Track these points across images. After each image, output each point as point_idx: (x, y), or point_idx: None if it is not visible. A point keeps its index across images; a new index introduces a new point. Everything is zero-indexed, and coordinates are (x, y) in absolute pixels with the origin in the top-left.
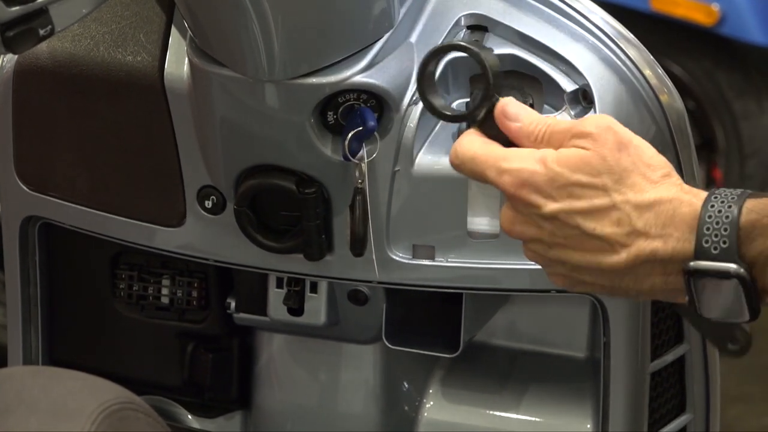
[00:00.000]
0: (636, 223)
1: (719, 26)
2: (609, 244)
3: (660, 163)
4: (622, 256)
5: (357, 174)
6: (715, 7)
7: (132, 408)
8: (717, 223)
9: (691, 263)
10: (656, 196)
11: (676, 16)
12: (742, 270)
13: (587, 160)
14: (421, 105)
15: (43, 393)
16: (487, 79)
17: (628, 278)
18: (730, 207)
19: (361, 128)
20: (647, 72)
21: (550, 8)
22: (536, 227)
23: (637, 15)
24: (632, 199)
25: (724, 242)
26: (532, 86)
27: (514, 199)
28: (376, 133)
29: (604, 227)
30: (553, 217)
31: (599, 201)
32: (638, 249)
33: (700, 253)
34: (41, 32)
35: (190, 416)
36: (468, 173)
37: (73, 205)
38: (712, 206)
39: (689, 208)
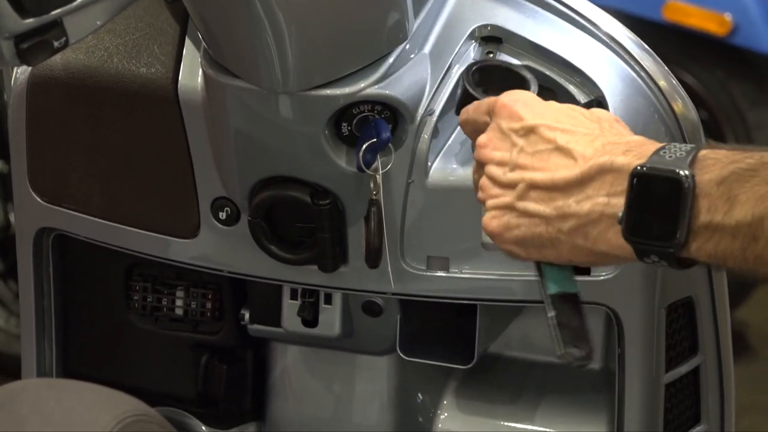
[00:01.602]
0: (606, 146)
1: (732, 36)
2: (573, 159)
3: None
4: (579, 167)
5: (372, 185)
6: (728, 17)
7: (147, 420)
8: (676, 147)
9: (643, 165)
10: (634, 139)
11: (688, 25)
12: (689, 175)
13: (585, 113)
14: (435, 116)
15: (58, 405)
16: None
17: (573, 199)
18: (692, 145)
19: (375, 140)
20: (662, 83)
21: (564, 19)
22: (509, 145)
23: (650, 25)
24: (611, 139)
25: (680, 154)
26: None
27: (503, 112)
28: (390, 144)
29: (577, 144)
30: (532, 130)
31: (582, 129)
32: (598, 162)
33: (653, 160)
34: (56, 44)
35: (204, 428)
36: (472, 116)
37: (87, 217)
38: (677, 143)
39: (657, 145)
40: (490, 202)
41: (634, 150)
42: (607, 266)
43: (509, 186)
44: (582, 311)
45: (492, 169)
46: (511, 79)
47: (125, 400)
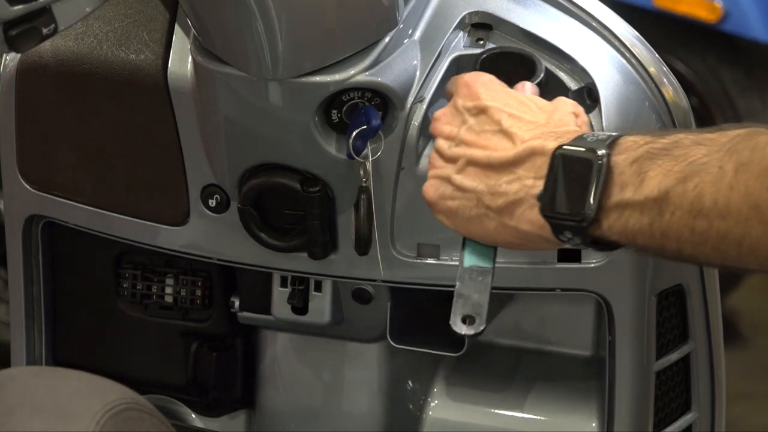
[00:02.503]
0: (544, 133)
1: (722, 23)
2: (512, 142)
3: None
4: (515, 150)
5: (362, 173)
6: (719, 4)
7: (136, 408)
8: (600, 133)
9: (563, 145)
10: (572, 129)
11: (679, 12)
12: (603, 155)
13: (540, 103)
14: (425, 103)
15: (46, 394)
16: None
17: (505, 179)
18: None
19: (365, 127)
20: (652, 70)
21: (554, 6)
22: (460, 121)
23: (640, 12)
24: (552, 128)
25: (601, 138)
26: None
27: (462, 90)
28: (380, 131)
29: (519, 129)
30: (483, 110)
31: (529, 117)
32: (531, 145)
33: (575, 142)
34: (44, 31)
35: (194, 415)
36: (448, 89)
37: (77, 204)
38: (604, 131)
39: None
40: (431, 172)
41: (565, 136)
42: (549, 250)
43: (451, 160)
44: (488, 290)
45: (440, 142)
46: (520, 64)
47: (114, 387)
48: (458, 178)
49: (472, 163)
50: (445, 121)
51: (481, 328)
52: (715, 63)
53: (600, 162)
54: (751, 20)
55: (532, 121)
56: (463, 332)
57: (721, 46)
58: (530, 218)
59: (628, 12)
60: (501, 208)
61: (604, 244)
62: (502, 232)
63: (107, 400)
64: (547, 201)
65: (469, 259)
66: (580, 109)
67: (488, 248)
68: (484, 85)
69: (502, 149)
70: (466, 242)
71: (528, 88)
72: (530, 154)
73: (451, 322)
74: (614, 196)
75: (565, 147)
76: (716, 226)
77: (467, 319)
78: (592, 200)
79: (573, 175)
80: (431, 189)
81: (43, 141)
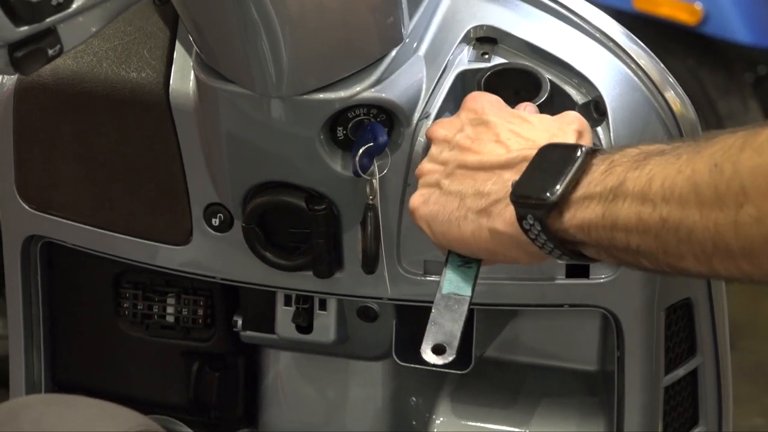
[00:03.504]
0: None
1: (702, 25)
2: (507, 150)
3: None
4: (508, 155)
5: (368, 190)
6: (698, 6)
7: None
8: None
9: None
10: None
11: (659, 15)
12: (586, 149)
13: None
14: (431, 119)
15: (61, 422)
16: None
17: (492, 180)
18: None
19: (371, 144)
20: (660, 83)
21: (560, 19)
22: (458, 127)
23: (620, 14)
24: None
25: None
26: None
27: (468, 103)
28: (386, 148)
29: (516, 143)
30: (484, 123)
31: (529, 134)
32: (523, 153)
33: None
34: (50, 52)
35: None
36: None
37: (77, 224)
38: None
39: None
40: (421, 180)
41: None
42: (524, 264)
43: (442, 163)
44: (462, 319)
45: (433, 149)
46: (526, 80)
47: (129, 415)
48: (446, 183)
49: (462, 166)
50: (441, 126)
51: (450, 358)
52: (695, 65)
53: (578, 154)
54: (731, 22)
55: (531, 139)
56: (432, 362)
57: (702, 48)
58: (505, 217)
59: (608, 14)
60: (482, 209)
61: (564, 242)
62: (478, 235)
63: (122, 428)
64: (517, 185)
65: (448, 286)
66: (585, 127)
67: (469, 272)
68: (490, 103)
69: (496, 155)
70: (446, 266)
71: (530, 110)
72: (522, 160)
73: (421, 350)
74: (581, 190)
75: (551, 142)
76: (659, 211)
77: (437, 349)
78: (558, 186)
79: (550, 163)
80: (417, 196)
81: (42, 161)
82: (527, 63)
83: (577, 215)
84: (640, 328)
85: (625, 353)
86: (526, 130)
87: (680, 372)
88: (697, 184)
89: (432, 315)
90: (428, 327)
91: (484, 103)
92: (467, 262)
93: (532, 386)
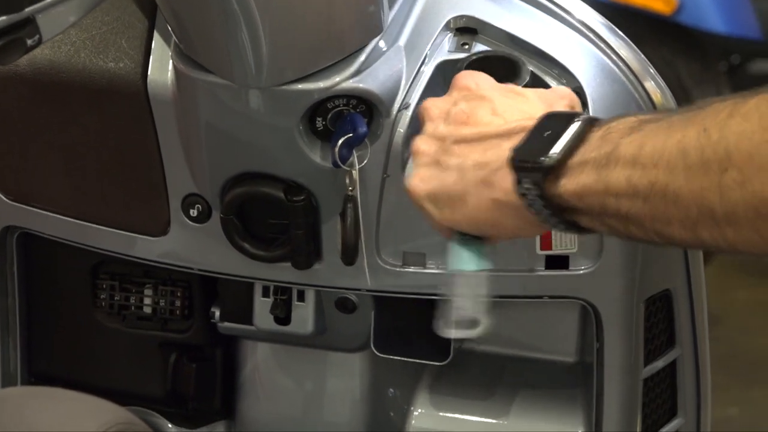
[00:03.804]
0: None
1: (677, 14)
2: (504, 120)
3: None
4: (507, 125)
5: (348, 181)
6: None
7: (132, 429)
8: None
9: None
10: None
11: (634, 4)
12: (588, 117)
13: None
14: (411, 109)
15: (42, 415)
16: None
17: (492, 151)
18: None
19: (351, 134)
20: (640, 73)
21: (541, 10)
22: (451, 103)
23: (595, 4)
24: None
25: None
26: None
27: (459, 81)
28: (366, 139)
29: (512, 115)
30: (479, 97)
31: (525, 107)
32: (522, 123)
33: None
34: (29, 42)
35: (171, 426)
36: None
37: (54, 215)
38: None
39: None
40: (417, 160)
41: None
42: (528, 238)
43: (439, 138)
44: (484, 290)
45: (427, 125)
46: (506, 68)
47: (109, 408)
48: (444, 158)
49: (460, 140)
50: (434, 103)
51: (479, 328)
52: (670, 55)
53: (578, 121)
54: (706, 12)
55: (527, 111)
56: (460, 336)
57: (676, 37)
58: (504, 185)
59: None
60: (482, 179)
61: (560, 209)
62: (481, 208)
63: (102, 421)
64: (516, 150)
65: (458, 263)
66: (576, 102)
67: (476, 248)
68: (483, 79)
69: (494, 126)
70: (453, 246)
71: None
72: (521, 130)
73: (441, 328)
74: (578, 156)
75: (550, 111)
76: (648, 174)
77: (460, 324)
78: (555, 149)
79: (550, 128)
80: (414, 177)
81: (19, 151)
82: (507, 50)
83: (572, 180)
84: (620, 319)
85: (604, 345)
86: (521, 103)
87: (659, 364)
88: (685, 148)
89: (456, 297)
90: (454, 309)
91: (476, 79)
92: (473, 238)
93: (510, 378)
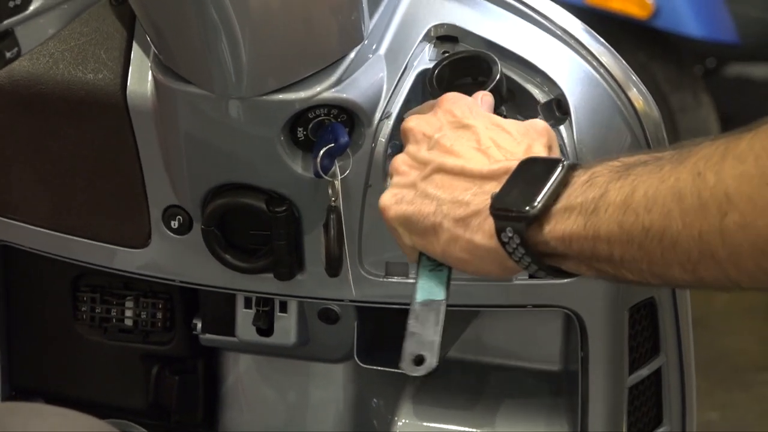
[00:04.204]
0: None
1: (654, 19)
2: (488, 159)
3: None
4: (490, 166)
5: (330, 192)
6: (650, 0)
7: None
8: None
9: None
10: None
11: (610, 9)
12: (569, 163)
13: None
14: (392, 119)
15: (24, 430)
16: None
17: (472, 191)
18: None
19: (332, 144)
20: (622, 81)
21: (522, 17)
22: (437, 125)
23: (571, 8)
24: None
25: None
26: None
27: (445, 104)
28: (348, 149)
29: (497, 153)
30: (464, 126)
31: (508, 145)
32: (506, 165)
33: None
34: (8, 55)
35: None
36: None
37: (33, 228)
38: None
39: None
40: (395, 179)
41: None
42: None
43: (421, 163)
44: (440, 325)
45: (410, 147)
46: (479, 69)
47: (93, 423)
48: (422, 185)
49: (442, 170)
50: (420, 122)
51: (432, 368)
52: (647, 59)
53: (559, 167)
54: (683, 16)
55: (510, 150)
56: (413, 374)
57: (653, 42)
58: (484, 229)
59: None
60: (460, 218)
61: (542, 255)
62: (453, 244)
63: None
64: (497, 198)
65: (422, 294)
66: (554, 139)
67: (441, 275)
68: (469, 107)
69: (479, 162)
70: (418, 272)
71: (486, 100)
72: (504, 173)
73: (401, 365)
74: (562, 202)
75: (532, 156)
76: (641, 219)
77: (416, 359)
78: (539, 198)
79: (531, 175)
80: (389, 195)
81: None
82: (475, 49)
83: (558, 227)
84: (604, 328)
85: (588, 353)
86: (504, 140)
87: (644, 372)
88: (680, 193)
89: (408, 325)
90: (406, 338)
91: (462, 106)
92: (438, 265)
93: (495, 386)
